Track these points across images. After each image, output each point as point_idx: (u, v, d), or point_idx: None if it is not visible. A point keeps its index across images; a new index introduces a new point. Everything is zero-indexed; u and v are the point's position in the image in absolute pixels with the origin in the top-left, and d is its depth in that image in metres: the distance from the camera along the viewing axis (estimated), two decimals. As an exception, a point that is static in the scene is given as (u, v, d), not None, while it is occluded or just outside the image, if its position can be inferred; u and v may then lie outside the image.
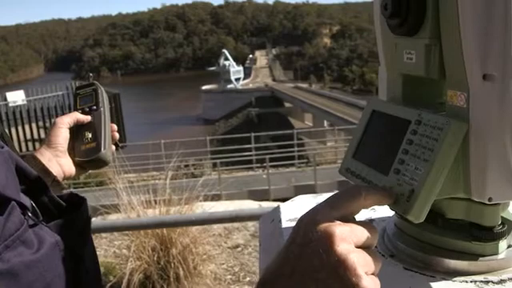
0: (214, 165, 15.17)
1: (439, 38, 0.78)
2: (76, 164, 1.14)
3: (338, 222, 0.63)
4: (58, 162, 1.10)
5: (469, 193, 0.78)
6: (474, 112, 0.74)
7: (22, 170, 0.64)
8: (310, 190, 13.73)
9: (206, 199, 7.24)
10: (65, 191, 0.79)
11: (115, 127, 1.22)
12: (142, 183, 10.48)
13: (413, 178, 0.73)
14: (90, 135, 1.15)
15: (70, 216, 0.68)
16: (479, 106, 0.74)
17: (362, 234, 0.63)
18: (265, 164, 14.77)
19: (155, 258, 5.09)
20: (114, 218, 7.38)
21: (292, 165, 16.44)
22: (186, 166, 14.05)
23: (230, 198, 11.90)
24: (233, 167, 16.14)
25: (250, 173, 16.13)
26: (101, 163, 1.15)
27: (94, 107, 1.19)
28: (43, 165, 1.05)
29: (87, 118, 1.17)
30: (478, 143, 0.74)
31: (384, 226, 1.02)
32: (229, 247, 6.36)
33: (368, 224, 0.66)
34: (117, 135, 1.22)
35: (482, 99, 0.73)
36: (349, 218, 0.65)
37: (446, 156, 0.72)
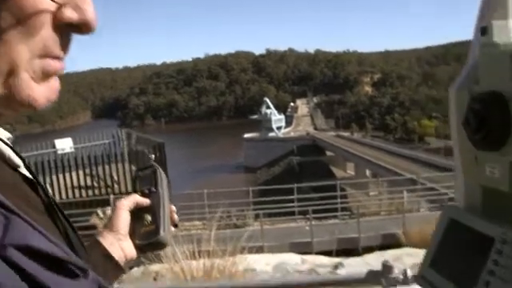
0: (256, 215, 15.11)
1: None
2: (136, 246, 1.15)
3: None
4: (120, 246, 1.11)
5: None
6: None
7: None
8: (353, 243, 13.50)
9: (249, 251, 7.19)
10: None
11: (174, 208, 1.23)
12: (185, 233, 10.51)
13: None
14: (149, 218, 1.16)
15: None
16: None
17: None
18: (308, 216, 14.62)
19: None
20: (156, 268, 7.38)
21: (335, 216, 16.23)
22: (229, 216, 14.07)
23: (272, 250, 11.79)
24: (275, 218, 16.04)
25: (292, 224, 15.97)
26: (160, 246, 1.15)
27: (153, 189, 1.21)
28: (106, 250, 1.06)
29: (146, 201, 1.19)
30: None
31: None
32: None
33: None
34: (176, 217, 1.22)
35: None
36: None
37: None
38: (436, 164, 44.56)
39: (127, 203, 1.17)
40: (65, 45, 0.62)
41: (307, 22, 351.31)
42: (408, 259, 7.96)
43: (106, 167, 15.56)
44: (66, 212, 0.75)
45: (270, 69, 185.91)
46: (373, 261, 8.25)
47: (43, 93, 0.60)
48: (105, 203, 14.45)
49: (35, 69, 0.58)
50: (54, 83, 0.62)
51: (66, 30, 0.60)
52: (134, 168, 14.76)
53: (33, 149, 17.29)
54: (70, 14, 0.59)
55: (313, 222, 14.26)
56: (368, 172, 54.89)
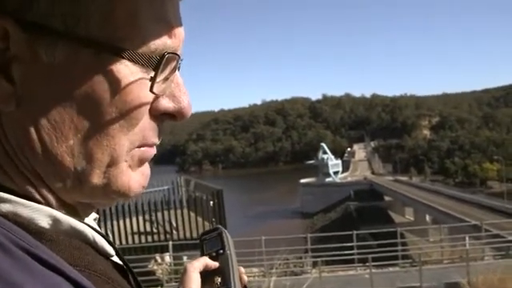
0: (315, 263, 14.89)
1: None
2: None
3: None
4: None
5: None
6: None
7: None
8: (415, 292, 13.10)
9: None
10: None
11: (242, 270, 1.26)
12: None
13: None
14: (219, 280, 1.19)
15: None
16: None
17: None
18: (367, 263, 14.31)
19: None
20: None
21: (395, 264, 15.81)
22: (286, 263, 13.94)
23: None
24: (333, 266, 15.75)
25: (351, 272, 15.65)
26: None
27: (221, 251, 1.24)
28: None
29: (215, 264, 1.22)
30: None
31: None
32: None
33: None
34: (245, 278, 1.25)
35: None
36: None
37: None
38: (499, 209, 42.98)
39: (197, 265, 1.23)
40: (160, 132, 0.63)
41: (363, 67, 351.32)
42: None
43: (165, 213, 15.74)
44: (125, 257, 0.74)
45: (327, 114, 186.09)
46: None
47: (138, 181, 0.62)
48: (163, 249, 14.59)
49: (134, 158, 0.60)
50: (146, 169, 0.64)
51: (161, 118, 0.62)
52: (192, 214, 14.91)
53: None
54: (166, 103, 0.61)
55: (373, 270, 13.95)
56: (428, 217, 53.50)
